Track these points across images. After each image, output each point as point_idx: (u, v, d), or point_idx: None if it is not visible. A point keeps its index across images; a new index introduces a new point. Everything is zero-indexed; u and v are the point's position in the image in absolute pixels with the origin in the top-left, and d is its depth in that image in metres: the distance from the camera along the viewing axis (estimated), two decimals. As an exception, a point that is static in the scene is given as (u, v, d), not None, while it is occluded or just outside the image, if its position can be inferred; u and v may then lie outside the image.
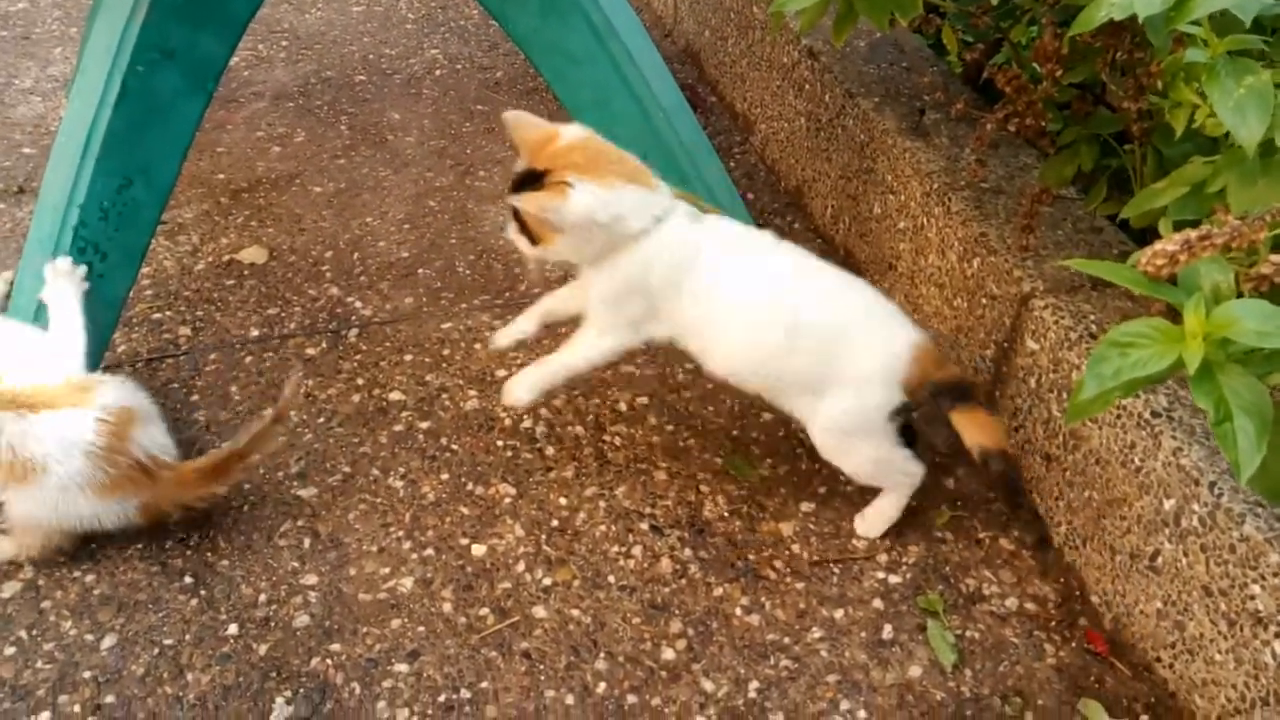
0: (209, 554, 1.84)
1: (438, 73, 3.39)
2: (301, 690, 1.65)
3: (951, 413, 1.73)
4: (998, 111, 1.88)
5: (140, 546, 1.85)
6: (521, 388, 1.93)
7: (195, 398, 2.16)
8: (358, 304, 2.44)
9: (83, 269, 1.86)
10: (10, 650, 1.68)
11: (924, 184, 2.14)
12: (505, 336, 2.01)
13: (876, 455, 1.81)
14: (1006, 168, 2.18)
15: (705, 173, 2.10)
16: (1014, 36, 2.19)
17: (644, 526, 1.93)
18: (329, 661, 1.69)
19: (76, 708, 1.61)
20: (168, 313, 2.39)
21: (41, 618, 1.73)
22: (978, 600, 1.82)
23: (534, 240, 1.74)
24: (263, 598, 1.78)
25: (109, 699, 1.62)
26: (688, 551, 1.90)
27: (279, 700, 1.63)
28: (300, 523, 1.91)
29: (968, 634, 1.77)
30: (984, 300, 1.98)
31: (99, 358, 2.00)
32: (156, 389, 2.16)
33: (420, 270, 2.55)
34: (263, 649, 1.70)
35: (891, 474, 1.85)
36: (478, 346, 2.31)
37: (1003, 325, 1.92)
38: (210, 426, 2.09)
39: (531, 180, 1.71)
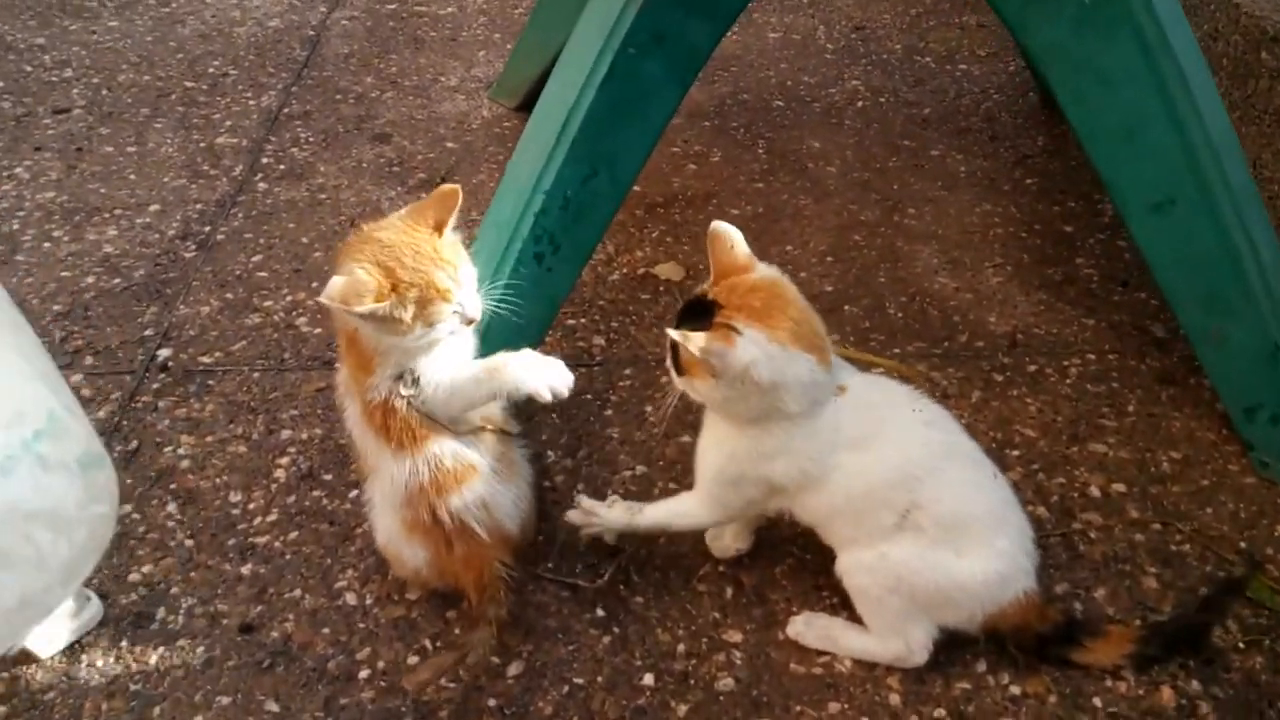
0: (622, 587, 1.65)
1: (859, 104, 3.16)
2: (726, 769, 1.40)
3: (1072, 655, 1.50)
4: None
5: (550, 565, 1.68)
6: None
7: (609, 412, 2.00)
8: (779, 335, 2.21)
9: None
10: (413, 659, 1.54)
11: None
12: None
13: (908, 614, 1.48)
14: None
15: (1249, 225, 1.71)
16: None
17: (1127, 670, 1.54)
18: (757, 740, 1.43)
19: (482, 737, 1.44)
20: (583, 320, 2.27)
21: (447, 629, 1.59)
22: None
23: (681, 370, 1.44)
24: (681, 648, 1.56)
25: (515, 734, 1.44)
26: (1195, 685, 1.50)
27: (701, 776, 1.39)
28: (721, 569, 1.68)
29: None
30: None
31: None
32: (571, 399, 2.02)
33: (846, 307, 2.29)
34: (682, 710, 1.47)
35: (901, 635, 1.50)
36: (914, 398, 2.01)
37: None
38: (625, 444, 1.92)
39: (699, 309, 1.42)
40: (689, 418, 1.80)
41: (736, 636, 1.57)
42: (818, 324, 1.45)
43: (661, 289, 2.35)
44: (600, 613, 1.61)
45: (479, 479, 1.50)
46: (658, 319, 2.25)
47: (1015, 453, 1.89)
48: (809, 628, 1.55)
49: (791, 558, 1.68)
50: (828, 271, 2.41)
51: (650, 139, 1.79)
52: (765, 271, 1.46)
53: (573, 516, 1.65)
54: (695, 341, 1.34)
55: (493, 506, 1.52)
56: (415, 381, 1.45)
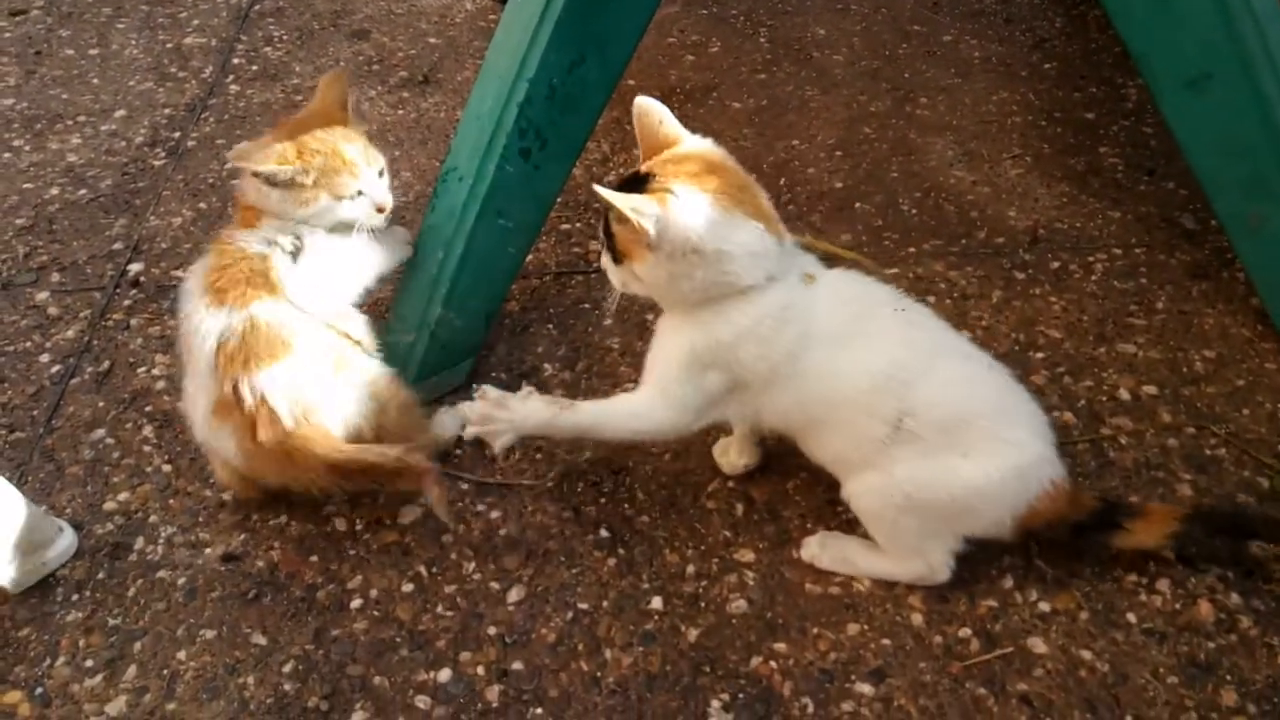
0: (626, 505, 1.56)
1: (866, -13, 2.97)
2: (741, 696, 1.32)
3: (1114, 538, 1.39)
4: None
5: (550, 487, 1.58)
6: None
7: (608, 321, 1.88)
8: (787, 235, 2.08)
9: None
10: (408, 588, 1.45)
11: None
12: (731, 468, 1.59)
13: (925, 532, 1.38)
14: None
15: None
16: None
17: (1169, 555, 1.45)
18: (773, 664, 1.35)
19: (480, 669, 1.35)
20: (577, 224, 2.14)
21: (443, 554, 1.50)
22: None
23: (618, 257, 1.32)
24: (690, 569, 1.47)
25: (516, 665, 1.36)
26: (1235, 598, 1.42)
27: (715, 704, 1.31)
28: (730, 484, 1.58)
29: None
30: None
31: (521, 262, 1.76)
32: (566, 307, 1.91)
33: (857, 204, 2.16)
34: (693, 634, 1.39)
35: (919, 554, 1.41)
36: (930, 300, 1.90)
37: None
38: (625, 354, 1.81)
39: (634, 184, 1.30)
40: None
41: (748, 556, 1.48)
42: (761, 194, 1.34)
43: (660, 189, 2.21)
44: (604, 533, 1.51)
45: (294, 358, 1.39)
46: (657, 220, 2.12)
47: (1039, 355, 1.78)
48: (824, 549, 1.46)
49: (805, 471, 1.57)
50: (837, 167, 2.27)
51: (643, 18, 1.64)
52: (699, 142, 1.36)
53: (466, 410, 1.47)
54: (628, 201, 1.21)
55: (313, 400, 1.39)
56: (296, 251, 1.45)
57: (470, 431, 1.48)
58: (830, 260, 1.43)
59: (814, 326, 1.32)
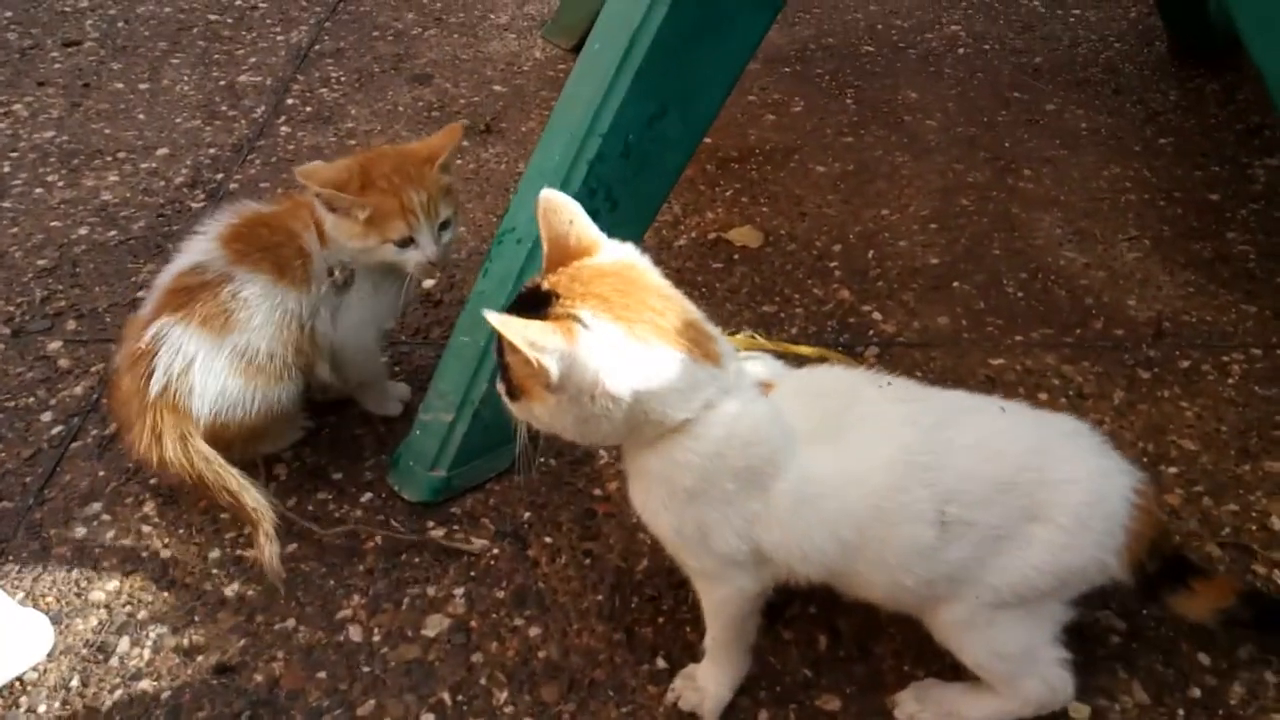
0: (688, 629, 1.33)
1: (960, 50, 2.77)
2: None
3: (1176, 599, 1.18)
4: None
5: (600, 599, 1.36)
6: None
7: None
8: (876, 315, 1.86)
9: None
10: (428, 717, 1.23)
11: None
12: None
13: (1029, 643, 1.13)
14: None
15: None
16: None
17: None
18: None
19: (509, 827, 1.12)
20: (643, 292, 1.93)
21: (471, 677, 1.27)
22: None
23: (514, 392, 1.06)
24: (764, 716, 1.23)
25: (553, 825, 1.12)
26: None
27: None
28: (812, 610, 1.35)
29: None
30: None
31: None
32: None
33: (955, 284, 1.94)
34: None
35: (1029, 675, 1.15)
36: (1042, 396, 1.66)
37: None
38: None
39: (532, 303, 1.03)
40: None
41: (834, 703, 1.24)
42: (691, 311, 1.07)
43: (736, 257, 2.01)
44: (660, 663, 1.29)
45: (218, 339, 1.38)
46: (731, 292, 1.92)
47: (1173, 470, 1.53)
48: (923, 706, 1.21)
49: (899, 598, 1.33)
50: (932, 241, 2.05)
51: (732, 71, 1.46)
52: (616, 250, 1.08)
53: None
54: (523, 331, 0.95)
55: (198, 382, 1.36)
56: (345, 284, 1.47)
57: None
58: (797, 361, 1.20)
59: (786, 435, 1.08)
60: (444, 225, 1.46)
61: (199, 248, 1.43)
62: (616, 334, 0.99)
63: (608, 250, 1.08)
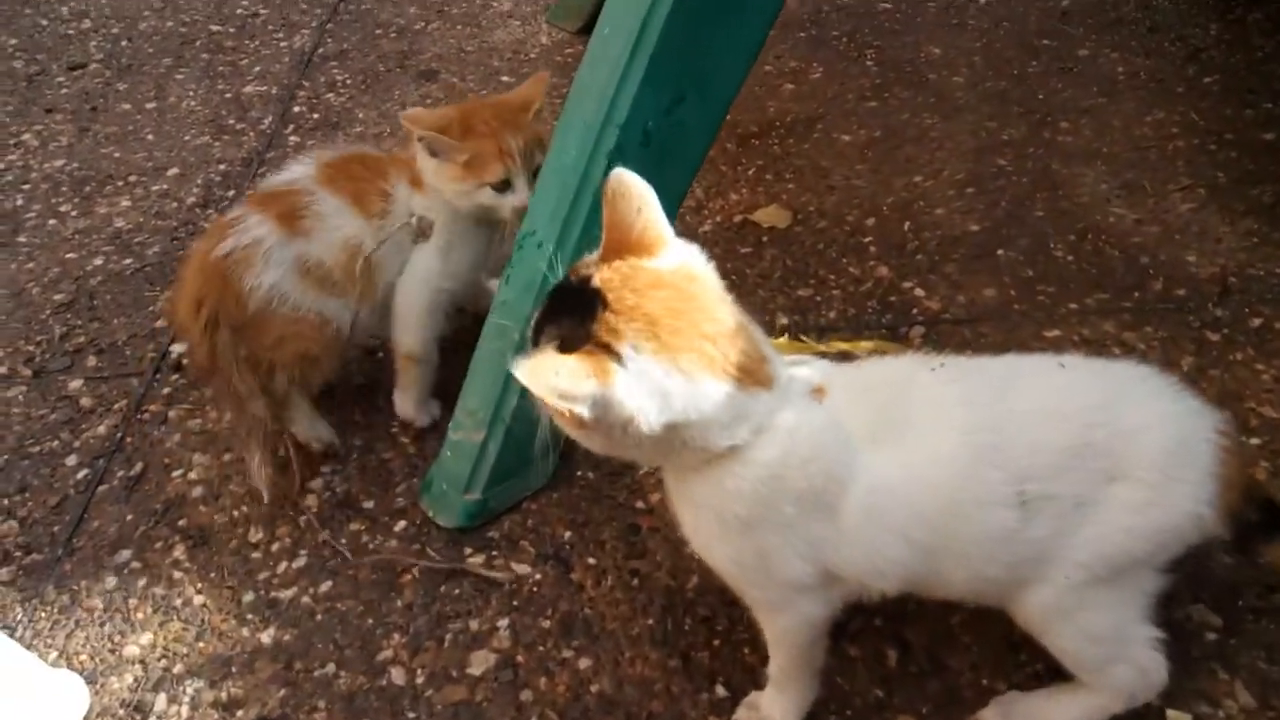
0: (747, 650, 1.26)
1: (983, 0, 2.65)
2: None
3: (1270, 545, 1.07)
4: None
5: (651, 623, 1.29)
6: None
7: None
8: (918, 291, 1.77)
9: None
10: (483, 763, 1.17)
11: None
12: None
13: (1121, 621, 1.05)
14: None
15: None
16: None
17: None
18: None
19: None
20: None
21: (520, 717, 1.21)
22: None
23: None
24: (832, 737, 1.16)
25: None
26: None
27: None
28: (878, 623, 1.27)
29: None
30: None
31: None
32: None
33: (1000, 251, 1.84)
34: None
35: (1120, 660, 1.07)
36: (1102, 368, 1.57)
37: None
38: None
39: (574, 303, 0.94)
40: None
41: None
42: (745, 328, 0.97)
43: (764, 239, 1.93)
44: (721, 691, 1.22)
45: (294, 241, 1.45)
46: (763, 278, 1.83)
47: (1254, 440, 1.44)
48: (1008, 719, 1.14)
49: (968, 599, 1.26)
50: (970, 206, 1.96)
51: (751, 48, 1.38)
52: (681, 255, 0.98)
53: None
54: (553, 384, 0.86)
55: (260, 259, 1.42)
56: (421, 234, 1.51)
57: None
58: (845, 357, 1.12)
59: (845, 445, 1.00)
60: (536, 173, 1.45)
61: (298, 169, 1.51)
62: (657, 371, 0.90)
63: (671, 250, 0.98)
